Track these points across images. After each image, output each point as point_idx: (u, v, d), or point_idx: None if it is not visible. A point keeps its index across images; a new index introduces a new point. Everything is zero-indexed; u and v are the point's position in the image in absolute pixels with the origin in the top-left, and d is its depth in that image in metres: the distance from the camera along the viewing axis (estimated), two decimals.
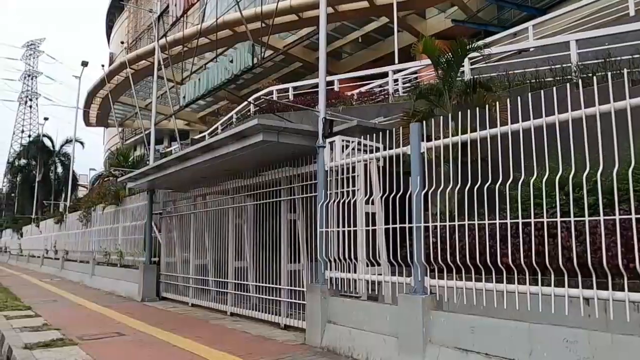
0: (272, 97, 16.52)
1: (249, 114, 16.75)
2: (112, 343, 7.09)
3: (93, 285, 16.55)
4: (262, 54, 10.09)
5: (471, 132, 4.79)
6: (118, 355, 6.38)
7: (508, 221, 4.40)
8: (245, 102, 17.68)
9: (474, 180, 4.61)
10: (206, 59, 24.29)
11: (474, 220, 4.68)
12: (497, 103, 4.70)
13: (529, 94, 4.99)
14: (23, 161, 49.39)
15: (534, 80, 8.81)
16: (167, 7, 15.58)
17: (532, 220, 4.25)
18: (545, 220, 4.10)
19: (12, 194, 50.95)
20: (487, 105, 4.87)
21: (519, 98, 4.36)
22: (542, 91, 4.50)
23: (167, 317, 9.60)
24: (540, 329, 3.94)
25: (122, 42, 39.64)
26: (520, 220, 4.29)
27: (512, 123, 4.48)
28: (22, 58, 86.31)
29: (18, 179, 49.33)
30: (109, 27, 51.83)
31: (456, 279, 4.77)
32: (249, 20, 14.86)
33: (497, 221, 4.43)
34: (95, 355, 6.11)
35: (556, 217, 4.09)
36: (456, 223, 4.82)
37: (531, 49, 11.53)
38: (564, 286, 3.94)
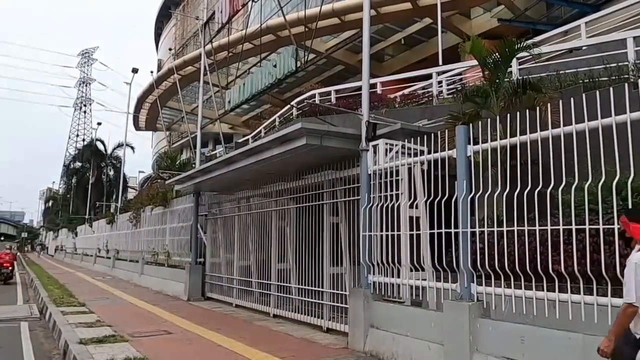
0: (315, 101, 16.60)
1: (291, 117, 16.90)
2: (160, 341, 7.32)
3: (142, 284, 17.15)
4: (305, 57, 10.16)
5: (520, 134, 4.64)
6: (166, 353, 6.57)
7: (561, 227, 4.23)
8: (288, 106, 17.85)
9: (523, 184, 4.46)
10: (250, 63, 24.68)
11: (524, 226, 4.52)
12: (549, 104, 4.53)
13: (583, 95, 4.78)
14: (78, 164, 51.88)
15: (587, 80, 8.43)
16: (213, 14, 15.97)
17: (587, 226, 4.06)
18: (601, 226, 3.92)
19: (68, 195, 53.56)
20: (537, 107, 4.71)
21: (572, 99, 4.19)
22: (597, 91, 4.30)
23: (212, 317, 9.81)
24: (596, 341, 3.75)
25: (170, 49, 40.97)
26: (573, 227, 4.12)
27: (564, 125, 4.31)
28: (77, 66, 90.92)
29: (73, 181, 51.81)
30: (158, 35, 53.76)
31: (504, 286, 4.63)
32: (291, 24, 15.02)
33: (549, 227, 4.27)
34: (145, 352, 6.32)
35: (613, 224, 3.90)
36: (504, 229, 4.68)
37: (584, 48, 11.05)
38: (621, 296, 3.74)
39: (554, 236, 4.33)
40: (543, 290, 4.28)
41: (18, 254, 44.90)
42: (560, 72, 9.09)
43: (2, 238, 68.33)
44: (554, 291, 4.18)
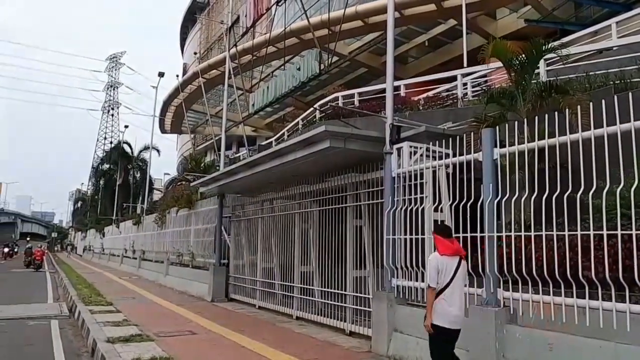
0: (338, 103, 16.61)
1: (314, 120, 16.94)
2: (185, 341, 7.42)
3: (167, 284, 17.41)
4: (329, 60, 10.19)
5: (549, 137, 4.55)
6: (191, 353, 6.66)
7: (591, 232, 4.12)
8: (311, 109, 17.91)
9: (551, 188, 4.37)
10: (273, 66, 24.85)
11: (552, 231, 4.42)
12: (579, 106, 4.42)
13: (614, 96, 4.66)
14: (106, 166, 53.10)
15: (618, 81, 8.21)
16: (238, 18, 16.16)
17: (619, 232, 3.95)
18: (634, 232, 3.80)
19: (96, 197, 54.83)
20: (566, 109, 4.61)
21: (603, 101, 4.08)
22: (629, 93, 4.19)
23: (236, 318, 9.90)
24: (629, 351, 3.65)
25: (195, 53, 41.55)
26: (605, 232, 4.01)
27: (595, 127, 4.21)
28: (105, 70, 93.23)
29: (101, 182, 53.06)
30: (183, 39, 54.67)
31: (532, 292, 4.54)
32: (315, 27, 15.07)
33: (579, 232, 4.17)
34: (171, 351, 6.41)
35: None
36: (532, 233, 4.58)
37: (614, 48, 10.77)
38: None
39: (584, 241, 4.22)
40: (573, 296, 4.18)
41: (47, 252, 50.65)
42: (590, 73, 8.88)
43: (27, 238, 71.66)
44: (584, 298, 4.08)
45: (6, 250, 43.29)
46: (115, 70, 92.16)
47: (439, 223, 5.54)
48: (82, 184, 76.63)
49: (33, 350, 7.44)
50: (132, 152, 47.83)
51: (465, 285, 4.71)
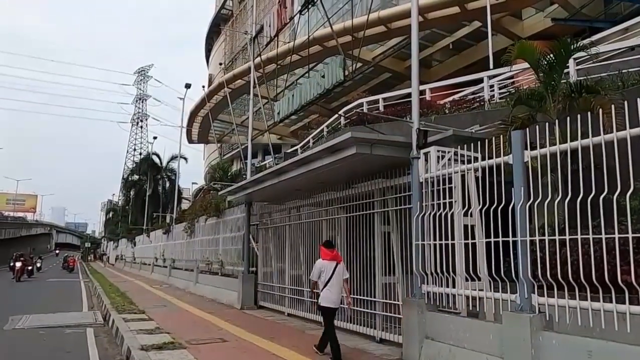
0: (362, 109, 16.60)
1: (339, 127, 16.95)
2: (216, 349, 7.49)
3: (197, 292, 17.63)
4: (353, 66, 10.20)
5: (582, 138, 4.43)
6: None
7: (630, 235, 3.99)
8: (336, 115, 17.93)
9: (586, 190, 4.25)
10: (297, 74, 25.04)
11: (588, 234, 4.30)
12: (613, 106, 4.30)
13: None
14: (135, 177, 54.33)
15: None
16: (262, 28, 16.35)
17: None
18: None
19: (127, 207, 56.12)
20: (599, 108, 4.50)
21: (638, 100, 3.96)
22: None
23: (266, 326, 9.94)
24: None
25: (220, 64, 42.24)
26: None
27: (630, 127, 4.08)
28: (134, 83, 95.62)
29: (131, 193, 54.31)
30: (208, 51, 55.66)
31: (568, 298, 4.41)
32: (338, 34, 15.11)
33: (616, 235, 4.04)
34: (203, 359, 6.48)
35: None
36: (567, 237, 4.46)
37: None
38: None
39: (621, 244, 4.09)
40: (611, 301, 4.05)
41: (79, 260, 58.80)
42: (623, 70, 8.63)
43: (57, 250, 75.80)
44: (624, 303, 3.94)
45: (18, 265, 26.95)
46: (144, 83, 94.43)
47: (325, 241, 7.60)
48: (114, 194, 78.69)
49: (70, 357, 7.65)
50: (160, 163, 48.85)
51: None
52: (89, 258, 78.06)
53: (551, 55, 7.36)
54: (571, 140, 4.55)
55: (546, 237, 4.67)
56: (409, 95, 10.67)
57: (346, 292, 7.08)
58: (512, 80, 13.50)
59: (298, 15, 13.59)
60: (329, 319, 6.81)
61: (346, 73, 10.29)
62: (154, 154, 50.33)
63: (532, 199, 4.85)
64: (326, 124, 18.82)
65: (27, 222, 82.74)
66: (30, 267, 30.01)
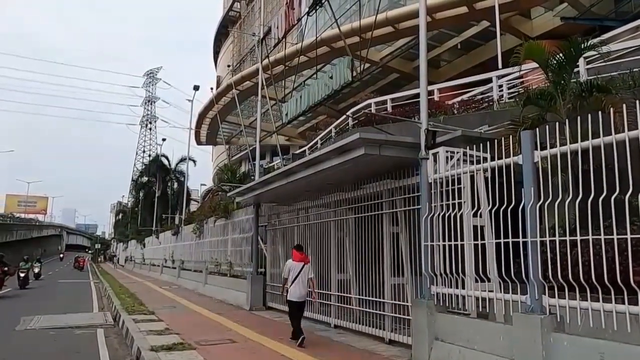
0: (370, 110, 16.58)
1: (347, 127, 16.94)
2: (225, 349, 7.51)
3: (206, 293, 17.70)
4: (361, 67, 10.19)
5: (593, 137, 4.39)
6: None
7: None
8: (344, 116, 17.93)
9: (597, 190, 4.21)
10: (305, 76, 25.07)
11: (599, 235, 4.26)
12: (624, 105, 4.26)
13: None
14: (145, 178, 54.62)
15: None
16: (269, 29, 16.39)
17: None
18: None
19: (136, 208, 56.45)
20: (610, 107, 4.45)
21: None
22: None
23: (274, 327, 9.95)
24: None
25: (228, 65, 42.43)
26: None
27: None
28: (143, 86, 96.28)
29: (141, 194, 54.61)
30: (216, 53, 55.96)
31: (579, 299, 4.37)
32: (346, 35, 15.11)
33: (629, 235, 4.00)
34: None
35: None
36: (578, 237, 4.42)
37: None
38: None
39: (633, 245, 4.04)
40: (623, 303, 4.00)
41: (89, 261, 61.42)
42: (635, 69, 8.54)
43: (62, 254, 77.66)
44: (636, 304, 3.89)
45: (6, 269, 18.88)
46: (152, 85, 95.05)
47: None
48: (123, 196, 79.18)
49: (81, 357, 7.70)
50: (169, 164, 49.09)
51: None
52: (99, 259, 78.65)
53: (561, 55, 7.29)
54: (582, 140, 4.52)
55: (557, 238, 4.63)
56: (417, 95, 10.65)
57: (312, 288, 8.41)
58: (521, 80, 13.41)
59: (306, 16, 13.60)
60: (293, 310, 8.07)
61: (354, 74, 10.29)
62: (162, 155, 50.60)
63: (542, 199, 4.81)
64: (334, 124, 18.83)
65: (37, 224, 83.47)
66: (23, 275, 21.88)
